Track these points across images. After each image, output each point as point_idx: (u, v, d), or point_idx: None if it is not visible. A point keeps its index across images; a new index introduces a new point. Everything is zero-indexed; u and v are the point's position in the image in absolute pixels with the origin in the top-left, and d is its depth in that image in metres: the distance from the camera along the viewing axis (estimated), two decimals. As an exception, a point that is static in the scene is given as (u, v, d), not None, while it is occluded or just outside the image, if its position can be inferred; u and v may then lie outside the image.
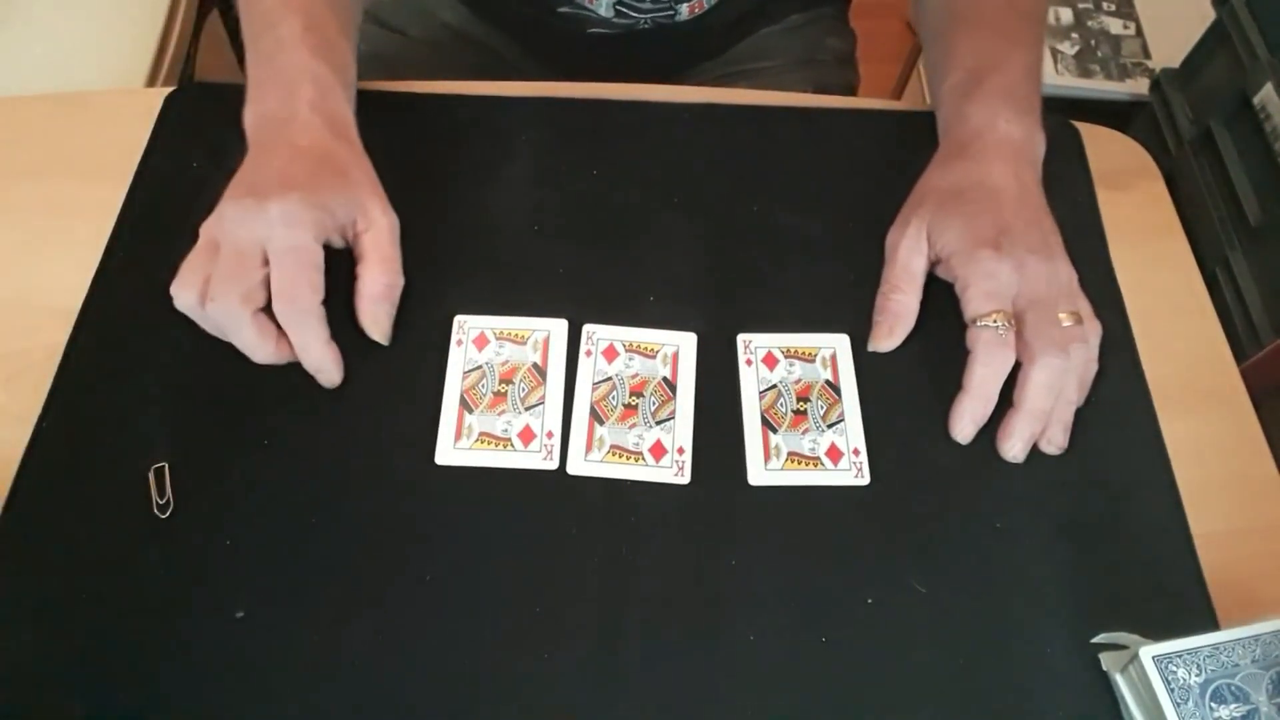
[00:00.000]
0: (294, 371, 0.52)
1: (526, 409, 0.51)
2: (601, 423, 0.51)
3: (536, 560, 0.47)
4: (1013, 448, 0.50)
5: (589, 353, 0.53)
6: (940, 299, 0.55)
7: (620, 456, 0.50)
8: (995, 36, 0.58)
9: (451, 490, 0.49)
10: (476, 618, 0.46)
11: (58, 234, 0.58)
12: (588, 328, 0.54)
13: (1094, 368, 0.52)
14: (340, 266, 0.52)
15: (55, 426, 0.50)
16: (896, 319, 0.54)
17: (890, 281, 0.54)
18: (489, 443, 0.50)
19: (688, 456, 0.50)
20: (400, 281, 0.53)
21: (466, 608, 0.46)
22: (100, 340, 0.53)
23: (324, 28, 0.55)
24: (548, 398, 0.52)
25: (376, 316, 0.52)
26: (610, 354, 0.53)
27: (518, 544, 0.48)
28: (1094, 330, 0.53)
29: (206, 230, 0.50)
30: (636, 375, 0.53)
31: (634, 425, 0.51)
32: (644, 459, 0.50)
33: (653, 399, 0.52)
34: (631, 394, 0.52)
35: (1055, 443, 0.51)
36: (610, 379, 0.53)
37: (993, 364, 0.50)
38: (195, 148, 0.61)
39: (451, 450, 0.50)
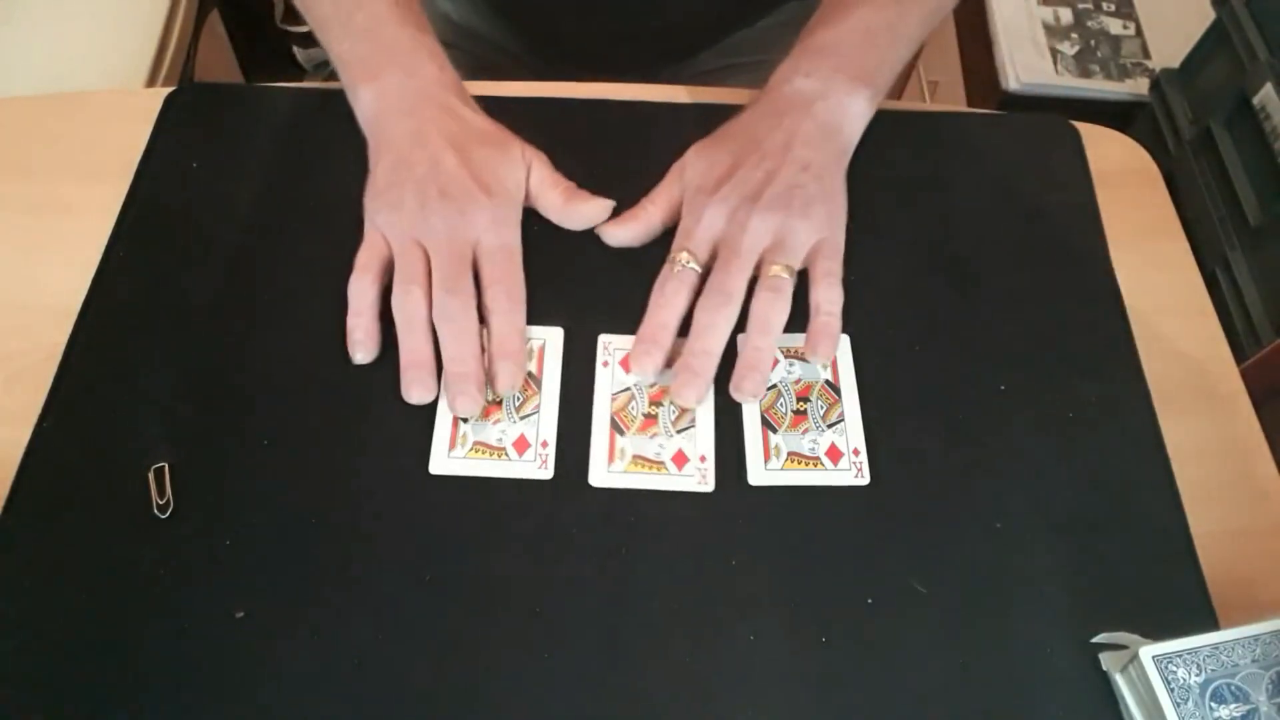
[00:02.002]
0: (293, 372, 0.52)
1: (521, 418, 0.51)
2: (622, 433, 0.51)
3: (536, 561, 0.47)
4: (675, 396, 0.50)
5: (606, 364, 0.53)
6: (944, 304, 0.55)
7: (644, 466, 0.50)
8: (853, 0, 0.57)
9: (449, 495, 0.49)
10: (477, 618, 0.46)
11: (58, 234, 0.58)
12: (603, 338, 0.54)
13: (780, 316, 0.52)
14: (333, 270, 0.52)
15: (55, 426, 0.50)
16: (635, 219, 0.55)
17: (639, 208, 0.55)
18: (483, 452, 0.50)
19: (710, 464, 0.50)
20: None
21: (467, 608, 0.46)
22: (100, 340, 0.53)
23: (409, 1, 0.56)
24: (542, 406, 0.52)
25: (587, 213, 0.55)
26: (627, 364, 0.53)
27: (518, 545, 0.48)
28: (823, 274, 0.52)
29: (398, 229, 0.52)
30: (655, 384, 0.53)
31: (655, 435, 0.51)
32: (667, 468, 0.50)
33: (672, 408, 0.52)
34: (651, 403, 0.52)
35: (743, 390, 0.50)
36: (629, 389, 0.52)
37: (664, 294, 0.51)
38: (195, 148, 0.61)
39: (446, 459, 0.50)
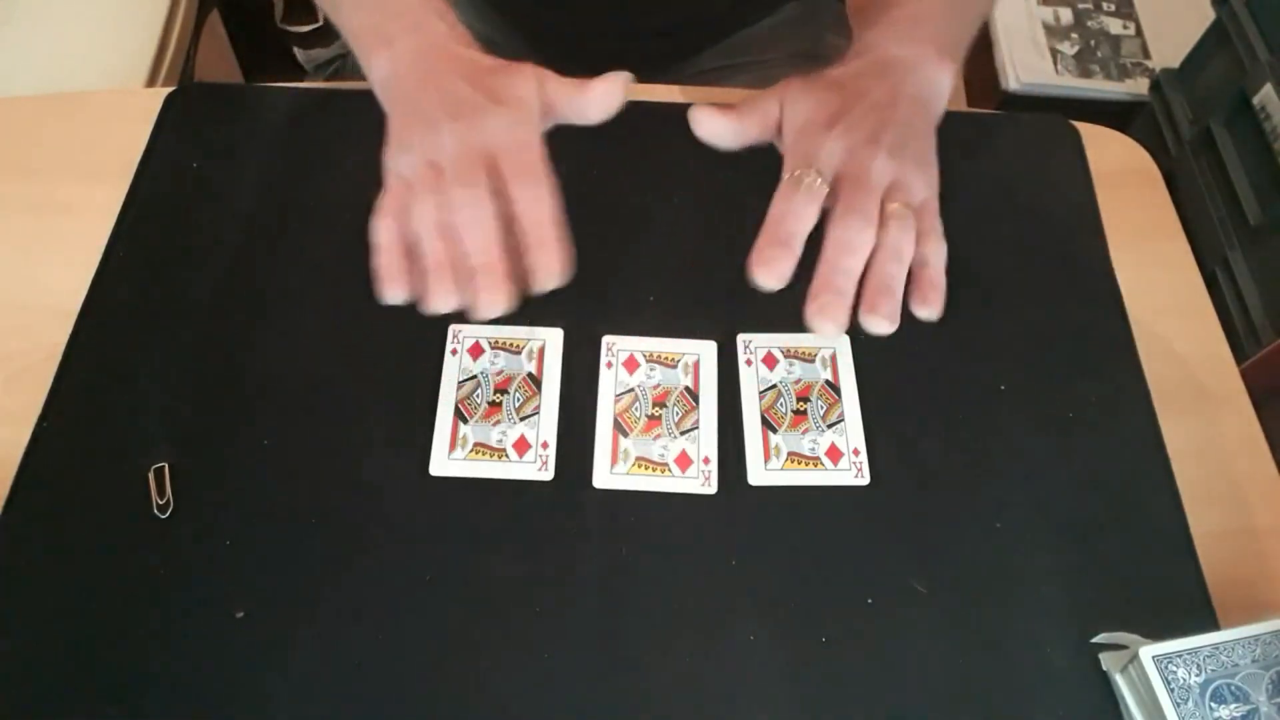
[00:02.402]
0: (293, 372, 0.52)
1: (521, 419, 0.51)
2: (626, 435, 0.51)
3: (536, 562, 0.47)
4: (815, 316, 0.46)
5: (609, 364, 0.53)
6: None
7: (646, 468, 0.50)
8: None
9: (449, 497, 0.49)
10: (477, 618, 0.46)
11: (58, 234, 0.58)
12: (607, 339, 0.54)
13: (909, 249, 0.47)
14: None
15: (55, 426, 0.50)
16: (731, 116, 0.51)
17: (735, 113, 0.51)
18: (484, 453, 0.50)
19: (714, 466, 0.50)
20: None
21: (467, 608, 0.46)
22: (100, 340, 0.53)
23: None
24: (543, 408, 0.52)
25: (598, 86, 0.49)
26: (631, 365, 0.53)
27: (518, 546, 0.48)
28: (933, 233, 0.49)
29: (411, 158, 0.48)
30: (658, 386, 0.53)
31: (658, 436, 0.51)
32: (670, 470, 0.50)
33: (676, 409, 0.52)
34: (654, 405, 0.52)
35: (879, 312, 0.46)
36: (632, 390, 0.52)
37: (791, 203, 0.46)
38: (195, 148, 0.61)
39: (446, 461, 0.50)
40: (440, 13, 0.53)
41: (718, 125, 0.51)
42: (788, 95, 0.51)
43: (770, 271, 0.47)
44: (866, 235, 0.46)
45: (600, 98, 0.50)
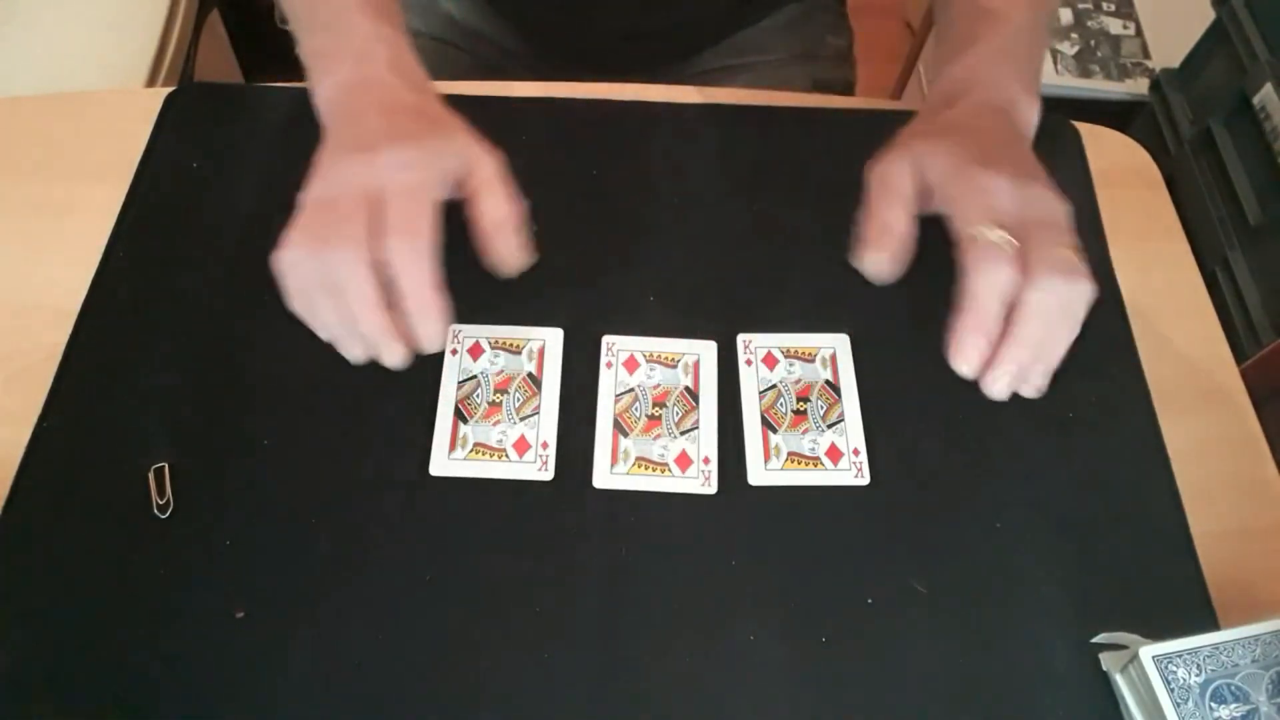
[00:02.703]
0: (293, 372, 0.52)
1: (521, 419, 0.51)
2: (626, 435, 0.51)
3: (536, 562, 0.47)
4: (997, 380, 0.44)
5: (609, 364, 0.53)
6: (944, 304, 0.55)
7: (646, 468, 0.50)
8: (994, 2, 0.54)
9: (449, 497, 0.49)
10: (477, 618, 0.46)
11: (58, 234, 0.58)
12: (607, 339, 0.54)
13: (1082, 314, 0.45)
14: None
15: (55, 426, 0.50)
16: (887, 231, 0.47)
17: (877, 201, 0.48)
18: (484, 453, 0.50)
19: (714, 466, 0.50)
20: (519, 212, 0.48)
21: (467, 608, 0.46)
22: (100, 340, 0.53)
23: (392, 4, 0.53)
24: (543, 408, 0.52)
25: (508, 246, 0.47)
26: (631, 365, 0.53)
27: (517, 546, 0.48)
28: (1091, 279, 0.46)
29: (310, 195, 0.47)
30: (659, 385, 0.53)
31: (659, 436, 0.51)
32: (670, 470, 0.50)
33: (676, 409, 0.52)
34: (654, 404, 0.52)
35: (1035, 384, 0.45)
36: (632, 390, 0.52)
37: (996, 276, 0.43)
38: (195, 148, 0.61)
39: (446, 461, 0.50)
40: (389, 41, 0.52)
41: (891, 247, 0.48)
42: (916, 155, 0.48)
43: (971, 360, 0.45)
44: (1065, 293, 0.44)
45: (502, 251, 0.48)
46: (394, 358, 0.45)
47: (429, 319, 0.45)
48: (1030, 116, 0.52)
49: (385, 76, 0.50)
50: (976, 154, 0.47)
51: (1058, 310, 0.44)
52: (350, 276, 0.44)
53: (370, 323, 0.44)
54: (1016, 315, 0.44)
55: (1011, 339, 0.44)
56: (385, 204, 0.45)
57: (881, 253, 0.47)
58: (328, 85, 0.52)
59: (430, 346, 0.45)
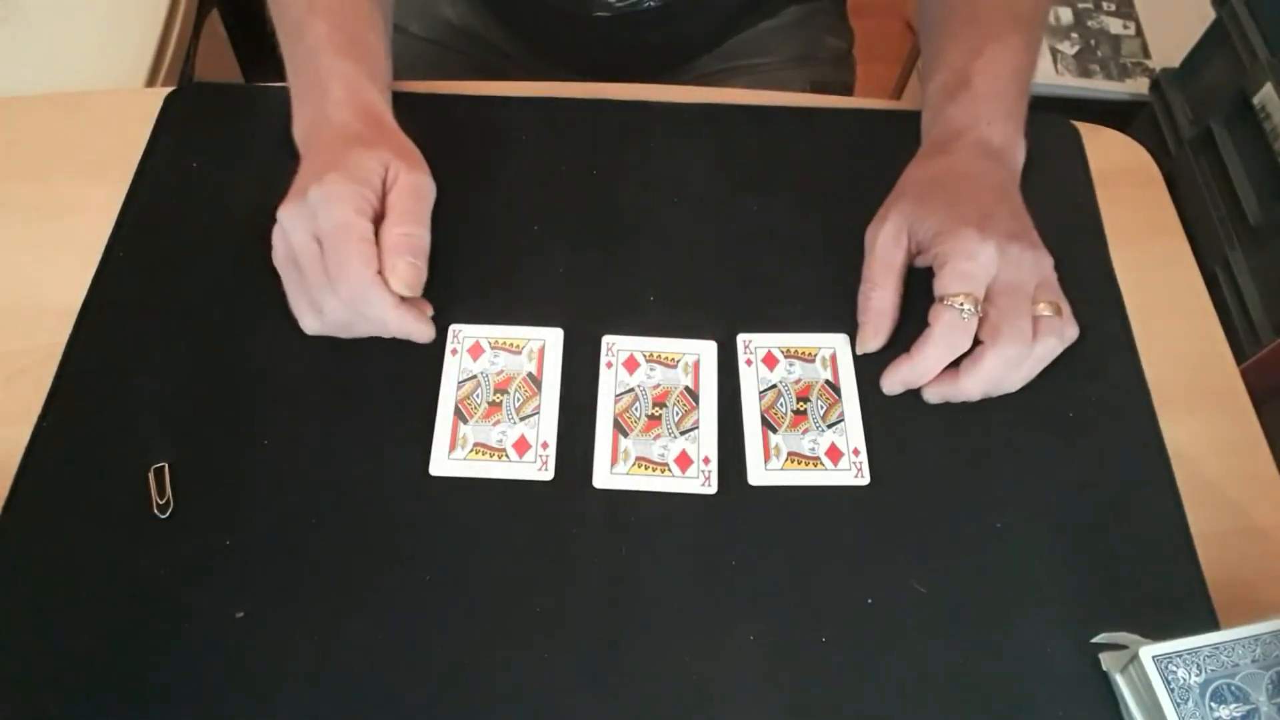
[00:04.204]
0: (293, 373, 0.52)
1: (521, 419, 0.51)
2: (626, 435, 0.51)
3: (536, 562, 0.47)
4: (926, 396, 0.51)
5: (609, 364, 0.53)
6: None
7: (646, 468, 0.50)
8: (987, 38, 0.58)
9: (449, 496, 0.49)
10: (476, 618, 0.46)
11: (58, 234, 0.58)
12: (607, 339, 0.54)
13: (1044, 363, 0.51)
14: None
15: (55, 426, 0.50)
16: (880, 316, 0.53)
17: (870, 279, 0.53)
18: (484, 453, 0.50)
19: (714, 466, 0.50)
20: (420, 232, 0.50)
21: (467, 608, 0.46)
22: (100, 340, 0.53)
23: (349, 27, 0.56)
24: (543, 408, 0.52)
25: (394, 267, 0.49)
26: (631, 365, 0.53)
27: (517, 545, 0.48)
28: (1070, 328, 0.52)
29: (278, 254, 0.51)
30: (659, 385, 0.53)
31: (658, 436, 0.51)
32: (670, 470, 0.50)
33: (676, 409, 0.52)
34: (654, 404, 0.52)
35: (959, 400, 0.51)
36: (632, 390, 0.52)
37: (946, 344, 0.50)
38: (195, 148, 0.61)
39: (446, 461, 0.50)
40: (345, 77, 0.54)
41: (885, 330, 0.53)
42: (909, 217, 0.53)
43: (891, 391, 0.52)
44: (1017, 359, 0.50)
45: (397, 278, 0.49)
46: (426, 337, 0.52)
47: (412, 334, 0.51)
48: (1020, 155, 0.56)
49: (335, 114, 0.53)
50: (971, 213, 0.51)
51: (1005, 370, 0.50)
52: (367, 309, 0.49)
53: (400, 327, 0.51)
54: (967, 368, 0.50)
55: (956, 382, 0.50)
56: (325, 249, 0.48)
57: (878, 339, 0.53)
58: (299, 128, 0.55)
59: (426, 341, 0.52)
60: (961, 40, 0.59)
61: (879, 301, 0.53)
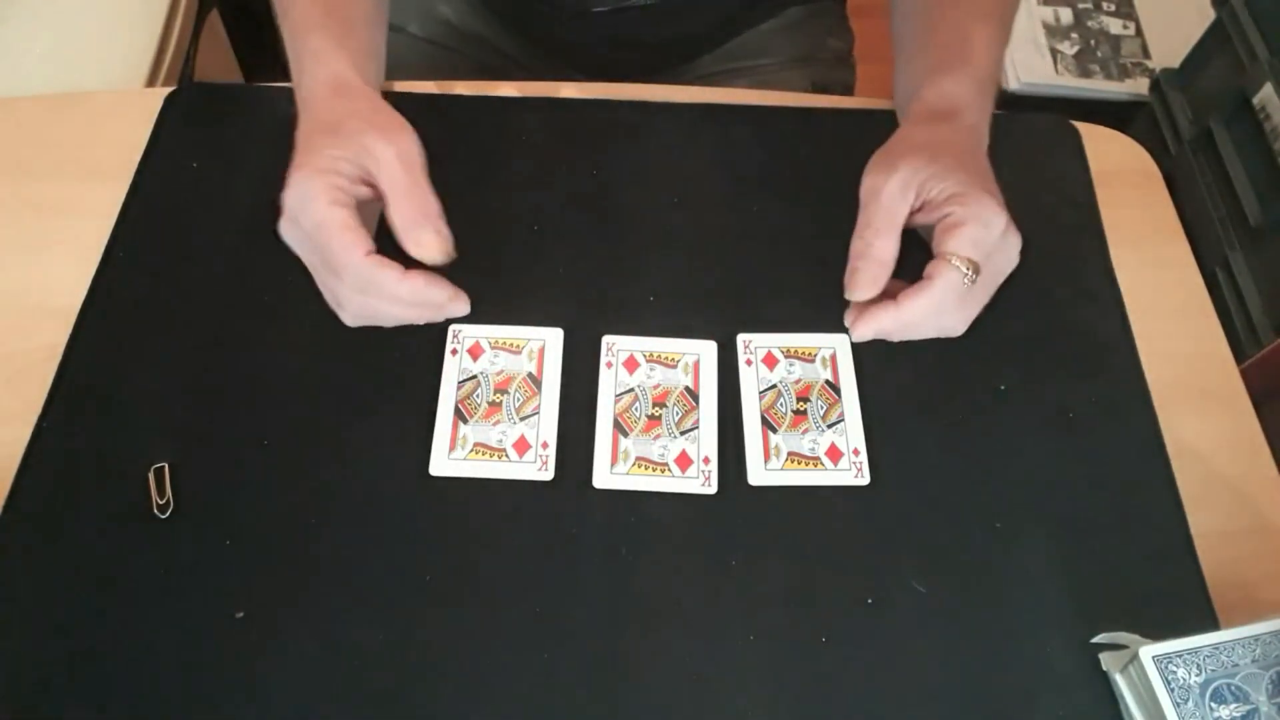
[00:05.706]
0: (293, 373, 0.52)
1: (521, 419, 0.51)
2: (626, 435, 0.51)
3: (536, 562, 0.47)
4: (858, 331, 0.49)
5: (609, 364, 0.53)
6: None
7: (646, 468, 0.50)
8: (973, 18, 0.57)
9: (449, 496, 0.49)
10: (477, 618, 0.46)
11: (58, 234, 0.58)
12: (607, 339, 0.54)
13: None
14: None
15: (55, 426, 0.50)
16: (881, 266, 0.49)
17: (873, 226, 0.50)
18: (484, 453, 0.50)
19: (714, 466, 0.50)
20: (429, 199, 0.49)
21: (467, 608, 0.46)
22: (100, 340, 0.53)
23: (343, 11, 0.55)
24: (543, 408, 0.52)
25: (420, 241, 0.48)
26: (631, 365, 0.53)
27: (517, 546, 0.48)
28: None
29: (285, 234, 0.50)
30: (659, 386, 0.53)
31: (659, 436, 0.51)
32: (670, 470, 0.50)
33: (676, 409, 0.52)
34: (654, 405, 0.52)
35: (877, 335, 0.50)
36: (632, 390, 0.52)
37: (939, 301, 0.48)
38: (195, 148, 0.61)
39: (446, 461, 0.50)
40: (328, 56, 0.53)
41: (883, 281, 0.50)
42: (919, 172, 0.50)
43: (868, 336, 0.50)
44: (955, 324, 0.50)
45: (422, 247, 0.48)
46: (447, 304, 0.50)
47: (441, 307, 0.49)
48: (987, 141, 0.55)
49: (309, 99, 0.52)
50: (986, 184, 0.50)
51: (932, 322, 0.49)
52: (379, 298, 0.48)
53: (419, 318, 0.50)
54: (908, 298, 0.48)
55: (896, 315, 0.49)
56: (318, 249, 0.48)
57: (874, 287, 0.50)
58: (297, 105, 0.54)
59: (462, 313, 0.51)
60: (954, 28, 0.57)
61: (881, 251, 0.49)
